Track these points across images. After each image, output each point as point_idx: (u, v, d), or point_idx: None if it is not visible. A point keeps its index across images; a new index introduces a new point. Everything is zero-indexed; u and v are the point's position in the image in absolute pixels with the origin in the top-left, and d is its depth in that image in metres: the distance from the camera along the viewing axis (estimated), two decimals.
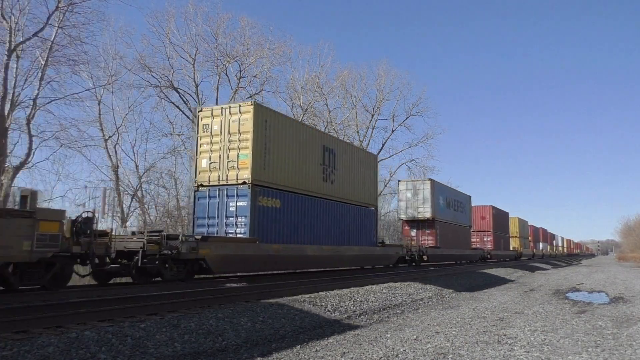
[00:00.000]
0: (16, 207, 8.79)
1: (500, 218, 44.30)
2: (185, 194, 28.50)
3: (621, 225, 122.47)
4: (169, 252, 11.16)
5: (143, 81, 28.31)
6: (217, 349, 6.90)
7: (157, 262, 10.93)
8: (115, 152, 28.47)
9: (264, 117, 14.36)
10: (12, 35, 19.93)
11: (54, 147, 23.14)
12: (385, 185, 44.99)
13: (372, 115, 44.36)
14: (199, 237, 12.03)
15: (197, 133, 14.84)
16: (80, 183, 39.90)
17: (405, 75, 71.86)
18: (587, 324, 9.91)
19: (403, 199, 30.02)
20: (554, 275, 29.60)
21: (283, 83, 38.65)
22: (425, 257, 26.13)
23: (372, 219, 21.10)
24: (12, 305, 7.31)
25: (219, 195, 14.11)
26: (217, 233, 13.91)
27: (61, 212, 9.34)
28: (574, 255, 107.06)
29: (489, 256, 39.25)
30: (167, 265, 11.34)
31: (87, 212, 9.76)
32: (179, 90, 29.25)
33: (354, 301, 11.69)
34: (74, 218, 9.54)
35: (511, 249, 48.08)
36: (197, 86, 29.71)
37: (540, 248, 64.09)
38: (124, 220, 27.39)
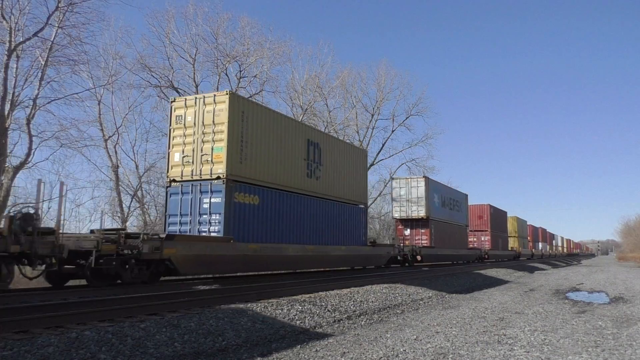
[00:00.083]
0: None
1: (498, 217, 43.69)
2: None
3: (621, 225, 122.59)
4: (129, 252, 10.30)
5: (143, 81, 28.31)
6: (217, 349, 6.90)
7: (114, 263, 10.00)
8: (115, 152, 28.46)
9: (241, 108, 13.53)
10: (12, 35, 19.91)
11: (54, 147, 23.12)
12: (386, 185, 44.95)
13: (372, 115, 44.36)
14: (163, 235, 11.10)
15: (170, 125, 14.00)
16: (81, 183, 39.99)
17: (405, 75, 71.97)
18: (587, 324, 9.91)
19: (397, 197, 29.17)
20: (554, 275, 29.60)
21: (283, 83, 38.74)
22: (418, 257, 25.50)
23: (362, 217, 20.35)
24: (12, 305, 7.31)
25: (192, 191, 13.32)
26: (190, 231, 13.20)
27: None
28: (573, 255, 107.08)
29: (486, 256, 38.67)
30: (127, 267, 10.45)
31: (28, 207, 8.96)
32: (179, 91, 29.23)
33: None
34: (12, 214, 8.63)
35: (509, 248, 47.58)
36: (197, 86, 29.71)
37: (540, 248, 63.57)
38: (124, 221, 27.40)
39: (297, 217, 15.83)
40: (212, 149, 13.07)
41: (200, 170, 13.22)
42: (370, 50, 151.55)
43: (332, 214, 17.93)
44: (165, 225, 13.72)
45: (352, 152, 20.45)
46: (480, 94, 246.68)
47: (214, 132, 13.13)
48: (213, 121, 13.15)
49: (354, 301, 11.60)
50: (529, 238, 57.71)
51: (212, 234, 12.78)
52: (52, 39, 21.05)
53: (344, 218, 18.83)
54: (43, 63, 21.05)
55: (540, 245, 64.61)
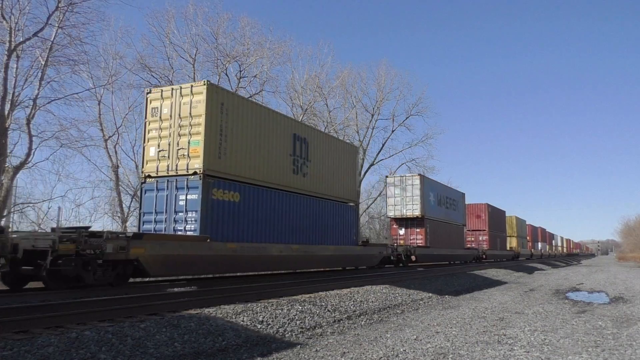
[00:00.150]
0: None
1: (496, 216, 43.08)
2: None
3: (621, 225, 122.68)
4: (91, 252, 9.56)
5: (143, 81, 28.30)
6: (217, 349, 6.90)
7: (73, 264, 9.22)
8: (115, 152, 28.45)
9: (220, 100, 12.78)
10: (12, 35, 19.92)
11: (54, 147, 23.14)
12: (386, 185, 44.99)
13: (372, 115, 44.41)
14: (130, 234, 10.42)
15: (146, 118, 13.26)
16: (81, 183, 39.99)
17: (405, 75, 72.04)
18: (587, 324, 9.91)
19: (391, 195, 28.28)
20: (554, 276, 29.61)
21: (283, 83, 38.73)
22: (413, 258, 24.76)
23: (352, 215, 19.55)
24: (12, 305, 7.31)
25: (167, 187, 12.58)
26: (165, 230, 12.50)
27: None
28: (573, 255, 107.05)
29: (484, 256, 37.96)
30: (89, 268, 9.63)
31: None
32: None
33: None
34: None
35: (508, 248, 46.92)
36: None
37: (539, 248, 63.10)
38: (124, 221, 27.40)
39: (282, 215, 15.08)
40: (189, 142, 12.40)
41: (176, 166, 12.54)
42: (370, 50, 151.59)
43: (320, 212, 17.21)
44: (140, 224, 13.06)
45: (343, 148, 19.68)
46: (480, 94, 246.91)
47: (190, 125, 12.44)
48: (190, 113, 12.49)
49: (354, 301, 11.60)
50: (528, 238, 57.11)
51: (188, 233, 12.11)
52: (52, 39, 21.06)
53: (333, 216, 18.08)
54: (43, 63, 21.06)
55: (539, 245, 64.12)
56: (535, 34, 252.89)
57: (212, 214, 12.33)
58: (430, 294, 15.23)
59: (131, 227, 27.52)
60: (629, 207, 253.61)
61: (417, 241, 27.13)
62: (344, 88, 41.61)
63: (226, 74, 30.95)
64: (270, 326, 8.31)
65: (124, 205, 28.16)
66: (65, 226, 11.89)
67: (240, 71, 31.16)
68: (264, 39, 32.57)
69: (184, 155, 12.45)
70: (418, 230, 27.44)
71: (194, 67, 29.50)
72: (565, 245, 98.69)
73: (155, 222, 12.71)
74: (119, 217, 27.57)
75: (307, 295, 11.32)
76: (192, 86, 12.69)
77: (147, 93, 13.34)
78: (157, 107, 13.05)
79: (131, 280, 11.46)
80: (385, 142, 44.92)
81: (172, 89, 12.97)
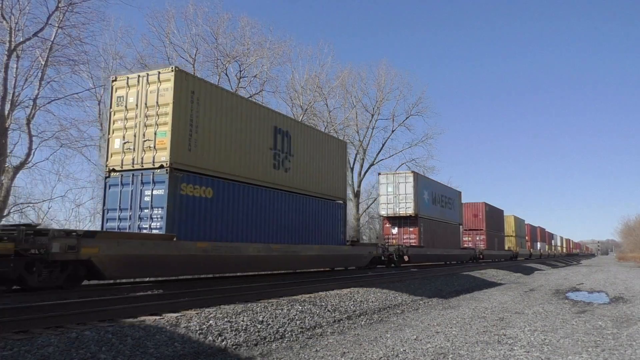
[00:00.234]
0: None
1: (494, 216, 42.35)
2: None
3: (621, 225, 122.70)
4: (36, 252, 8.78)
5: None
6: (217, 349, 6.90)
7: (12, 265, 8.39)
8: None
9: (191, 88, 11.95)
10: (12, 35, 19.94)
11: (54, 147, 23.17)
12: None
13: (372, 115, 44.49)
14: (81, 232, 9.52)
15: (111, 107, 12.39)
16: (81, 183, 39.99)
17: (405, 75, 72.37)
18: (587, 324, 9.92)
19: (384, 193, 27.19)
20: (554, 276, 29.62)
21: (283, 83, 38.79)
22: (406, 258, 23.82)
23: (339, 214, 18.59)
24: (12, 305, 7.31)
25: (132, 182, 11.72)
26: (129, 228, 11.66)
27: None
28: (573, 255, 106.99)
29: (481, 256, 37.08)
30: (34, 269, 8.85)
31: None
32: None
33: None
34: None
35: (506, 248, 46.23)
36: None
37: (538, 248, 62.51)
38: None
39: (261, 212, 14.14)
40: (155, 133, 11.53)
41: (142, 159, 11.67)
42: (370, 50, 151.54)
43: (303, 210, 16.26)
44: (103, 222, 12.17)
45: (330, 143, 18.63)
46: (479, 93, 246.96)
47: (157, 115, 11.58)
48: (157, 102, 11.63)
49: (353, 301, 11.61)
50: (527, 238, 56.56)
51: (154, 231, 11.25)
52: (52, 39, 21.08)
53: (319, 214, 17.12)
54: (43, 63, 21.08)
55: (538, 245, 63.49)
56: (535, 34, 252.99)
57: (180, 210, 11.49)
58: (430, 294, 15.23)
59: None
60: (629, 207, 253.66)
61: (411, 241, 26.27)
62: (344, 88, 41.70)
63: (226, 74, 30.99)
64: (270, 326, 8.31)
65: None
66: (11, 223, 11.45)
67: (240, 71, 31.21)
68: (264, 39, 32.62)
69: (150, 147, 11.60)
70: (411, 229, 26.57)
71: (194, 67, 29.52)
72: (564, 245, 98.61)
73: (120, 219, 11.87)
74: None
75: (307, 295, 11.32)
76: (159, 73, 11.81)
77: (113, 81, 12.50)
78: (122, 96, 12.20)
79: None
80: (385, 142, 45.02)
81: (139, 75, 12.09)
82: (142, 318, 7.39)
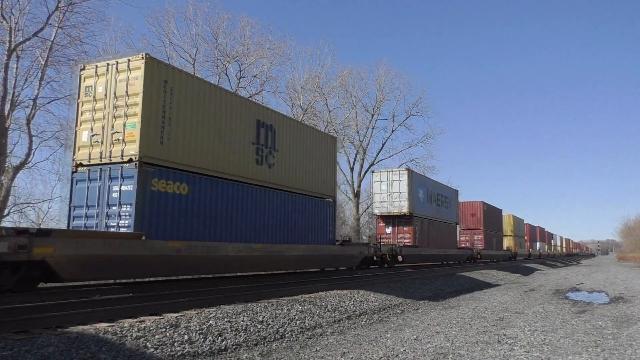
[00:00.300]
0: None
1: (492, 215, 41.54)
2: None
3: (621, 225, 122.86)
4: None
5: None
6: (217, 349, 6.90)
7: None
8: None
9: (163, 77, 11.28)
10: (12, 35, 19.96)
11: (54, 147, 23.18)
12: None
13: (372, 115, 44.53)
14: (34, 230, 8.87)
15: (79, 98, 11.73)
16: None
17: (405, 75, 72.52)
18: (587, 324, 9.92)
19: (377, 191, 26.36)
20: (554, 276, 29.62)
21: (283, 83, 38.88)
22: (399, 258, 23.04)
23: (329, 212, 17.77)
24: (12, 305, 7.32)
25: (100, 177, 11.02)
26: (97, 226, 11.02)
27: None
28: (573, 255, 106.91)
29: (479, 256, 36.22)
30: None
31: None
32: None
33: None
34: None
35: (505, 248, 45.50)
36: None
37: (537, 248, 61.79)
38: None
39: (242, 210, 13.38)
40: (125, 125, 10.86)
41: (110, 152, 10.97)
42: (370, 50, 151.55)
43: (289, 208, 15.49)
44: (69, 220, 11.44)
45: (318, 138, 17.80)
46: (479, 93, 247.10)
47: (127, 105, 10.92)
48: (126, 91, 10.97)
49: (353, 301, 11.61)
50: (526, 237, 55.84)
51: (122, 230, 10.58)
52: (52, 39, 21.10)
53: (306, 213, 16.33)
54: (43, 63, 21.08)
55: (537, 245, 62.70)
56: (535, 34, 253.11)
57: (151, 207, 10.79)
58: (429, 295, 15.23)
59: None
60: (629, 207, 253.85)
61: (405, 240, 25.43)
62: (344, 88, 41.74)
63: (226, 74, 31.02)
64: (270, 326, 8.31)
65: None
66: None
67: (240, 71, 31.24)
68: (264, 39, 32.65)
69: (119, 140, 10.91)
70: (406, 228, 25.69)
71: (194, 67, 29.55)
72: (564, 245, 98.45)
73: (87, 217, 11.13)
74: None
75: (307, 295, 11.33)
76: (129, 60, 11.12)
77: (81, 69, 11.84)
78: (91, 86, 11.54)
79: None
80: (385, 142, 45.07)
81: (108, 64, 11.41)
82: (142, 318, 7.40)
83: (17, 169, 21.33)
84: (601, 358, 6.89)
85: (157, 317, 7.51)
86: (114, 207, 10.76)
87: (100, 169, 11.05)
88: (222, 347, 6.98)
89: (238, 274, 15.16)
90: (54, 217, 26.10)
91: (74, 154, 11.61)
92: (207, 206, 12.22)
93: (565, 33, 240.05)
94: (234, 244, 12.80)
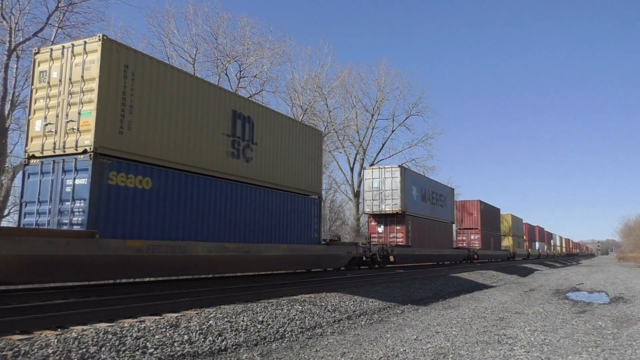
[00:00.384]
0: None
1: (490, 214, 40.34)
2: None
3: (621, 225, 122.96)
4: None
5: None
6: (217, 349, 6.90)
7: None
8: None
9: (124, 61, 10.37)
10: (12, 35, 19.96)
11: None
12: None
13: (372, 115, 44.55)
14: None
15: (32, 84, 10.86)
16: None
17: (405, 75, 72.61)
18: (587, 324, 9.92)
19: (369, 189, 25.31)
20: (554, 276, 29.63)
21: (283, 83, 38.96)
22: (391, 258, 22.14)
23: (314, 209, 16.80)
24: (12, 305, 7.32)
25: (53, 170, 10.13)
26: (49, 224, 10.16)
27: None
28: (573, 255, 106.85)
29: (475, 256, 35.30)
30: None
31: None
32: None
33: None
34: None
35: (503, 248, 44.74)
36: None
37: (537, 248, 61.17)
38: None
39: (215, 207, 12.44)
40: (80, 113, 9.92)
41: (64, 143, 10.04)
42: (370, 50, 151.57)
43: (269, 205, 14.48)
44: (20, 217, 10.60)
45: (303, 132, 16.77)
46: (479, 93, 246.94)
47: (82, 92, 10.01)
48: (82, 77, 10.06)
49: (353, 301, 11.61)
50: (525, 237, 55.10)
51: (75, 227, 9.69)
52: (52, 39, 21.09)
53: (287, 210, 15.33)
54: None
55: (537, 244, 62.04)
56: (535, 34, 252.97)
57: (107, 203, 9.87)
58: (429, 295, 15.23)
59: None
60: (629, 207, 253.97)
61: (398, 240, 24.37)
62: (344, 88, 41.75)
63: (226, 74, 31.02)
64: (270, 326, 8.32)
65: None
66: None
67: (240, 71, 31.22)
68: (264, 39, 32.62)
69: (73, 129, 10.01)
70: (398, 227, 24.61)
71: (194, 67, 29.55)
72: (564, 245, 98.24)
73: (39, 214, 10.23)
74: None
75: (307, 295, 11.33)
76: (85, 42, 10.19)
77: (35, 54, 10.97)
78: (45, 71, 10.66)
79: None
80: (385, 142, 45.11)
81: (63, 46, 10.53)
82: (142, 318, 7.41)
83: (17, 169, 21.33)
84: (601, 358, 6.89)
85: (157, 317, 7.52)
86: (67, 203, 9.85)
87: (54, 161, 10.12)
88: (222, 347, 6.98)
89: (211, 274, 14.15)
90: None
91: (26, 145, 10.72)
92: (174, 202, 11.29)
93: (565, 33, 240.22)
94: (204, 244, 11.84)
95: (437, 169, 69.28)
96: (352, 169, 44.28)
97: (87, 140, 9.71)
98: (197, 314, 8.01)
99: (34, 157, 10.45)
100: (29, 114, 10.77)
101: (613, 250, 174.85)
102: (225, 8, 56.29)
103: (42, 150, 10.35)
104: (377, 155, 44.91)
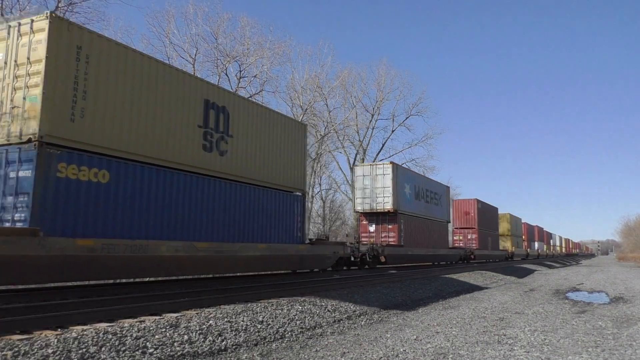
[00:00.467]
0: None
1: (487, 214, 39.54)
2: None
3: (621, 225, 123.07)
4: None
5: None
6: (217, 349, 6.90)
7: None
8: None
9: (76, 42, 9.33)
10: None
11: None
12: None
13: (372, 115, 44.61)
14: None
15: None
16: None
17: (406, 74, 72.52)
18: (587, 324, 9.92)
19: (360, 187, 24.25)
20: (554, 276, 29.63)
21: (283, 83, 39.00)
22: (382, 258, 21.15)
23: (297, 207, 15.82)
24: (12, 305, 7.32)
25: None
26: None
27: None
28: (572, 255, 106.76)
29: (472, 256, 34.44)
30: None
31: None
32: None
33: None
34: None
35: (501, 248, 44.04)
36: None
37: (536, 248, 60.55)
38: None
39: (182, 203, 11.47)
40: (25, 98, 8.95)
41: (9, 131, 9.05)
42: (370, 50, 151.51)
43: (245, 202, 13.46)
44: None
45: (285, 125, 15.70)
46: (479, 92, 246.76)
47: (28, 75, 9.03)
48: (28, 58, 9.08)
49: (353, 301, 11.61)
50: (523, 237, 54.33)
51: (18, 224, 8.74)
52: None
53: (267, 207, 14.34)
54: None
55: (536, 244, 61.39)
56: (535, 34, 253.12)
57: (55, 198, 8.91)
58: (430, 295, 15.24)
59: None
60: (629, 207, 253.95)
61: (390, 239, 23.40)
62: (344, 88, 41.79)
63: (226, 74, 31.04)
64: (270, 326, 8.31)
65: None
66: None
67: (240, 71, 31.25)
68: (264, 39, 32.65)
69: (18, 116, 9.09)
70: (390, 226, 23.61)
71: (194, 67, 29.57)
72: (564, 245, 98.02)
73: None
74: None
75: (307, 295, 11.32)
76: (32, 21, 9.17)
77: None
78: None
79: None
80: (385, 142, 45.17)
81: (10, 26, 9.53)
82: (142, 318, 7.41)
83: None
84: (601, 358, 6.89)
85: (157, 317, 7.52)
86: (10, 198, 8.85)
87: None
88: (222, 347, 6.98)
89: (177, 277, 12.45)
90: None
91: None
92: (135, 198, 10.32)
93: (565, 32, 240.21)
94: (170, 243, 10.88)
95: (437, 168, 69.32)
96: (352, 169, 44.31)
97: (32, 128, 8.76)
98: (197, 314, 8.01)
99: None
100: None
101: (613, 250, 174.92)
102: (225, 8, 56.39)
103: None
104: (377, 155, 44.97)
